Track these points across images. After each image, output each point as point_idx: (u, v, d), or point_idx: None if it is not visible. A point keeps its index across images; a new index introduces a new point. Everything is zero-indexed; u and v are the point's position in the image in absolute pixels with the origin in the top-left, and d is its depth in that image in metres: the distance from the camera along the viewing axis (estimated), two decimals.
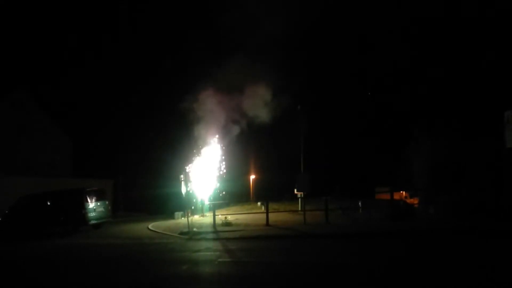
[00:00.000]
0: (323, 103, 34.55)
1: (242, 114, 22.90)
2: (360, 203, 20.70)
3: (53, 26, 43.55)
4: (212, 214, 18.07)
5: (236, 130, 23.33)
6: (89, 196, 18.70)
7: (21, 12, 42.39)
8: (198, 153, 23.45)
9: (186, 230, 16.08)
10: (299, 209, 21.56)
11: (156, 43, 42.17)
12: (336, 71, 33.55)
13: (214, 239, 14.42)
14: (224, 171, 24.16)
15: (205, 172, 23.38)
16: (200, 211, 23.41)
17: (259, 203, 26.59)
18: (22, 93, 28.86)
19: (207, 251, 12.09)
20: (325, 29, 26.56)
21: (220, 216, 18.69)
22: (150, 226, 19.19)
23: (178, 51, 36.51)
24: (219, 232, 15.90)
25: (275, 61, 21.66)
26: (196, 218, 21.23)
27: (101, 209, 19.25)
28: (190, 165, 23.34)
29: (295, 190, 20.61)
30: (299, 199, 22.11)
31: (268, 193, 29.95)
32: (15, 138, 27.24)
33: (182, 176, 22.26)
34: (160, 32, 41.64)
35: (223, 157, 23.94)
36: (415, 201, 21.12)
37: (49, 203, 18.85)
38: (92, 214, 18.59)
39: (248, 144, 30.15)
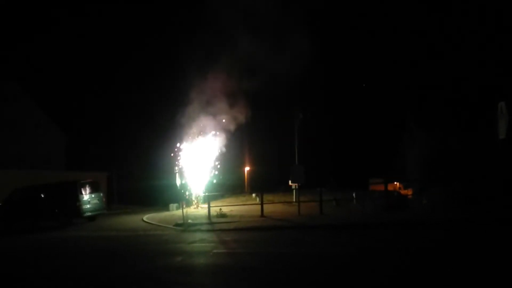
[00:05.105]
0: (318, 96, 34.60)
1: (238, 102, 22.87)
2: (354, 194, 20.77)
3: (42, 18, 43.16)
4: (207, 205, 18.09)
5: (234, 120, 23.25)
6: (83, 188, 18.65)
7: (11, 4, 41.94)
8: (193, 144, 23.40)
9: (181, 221, 16.09)
10: (294, 200, 21.63)
11: (149, 34, 41.95)
12: (331, 63, 33.53)
13: (209, 231, 14.45)
14: (219, 163, 24.15)
15: (199, 163, 23.36)
16: (195, 202, 23.44)
17: (253, 195, 26.63)
18: (15, 87, 28.63)
19: (202, 242, 12.11)
20: (322, 18, 26.44)
21: (215, 207, 18.70)
22: (145, 218, 19.20)
23: (172, 38, 36.40)
24: (214, 223, 15.93)
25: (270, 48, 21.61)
26: (191, 209, 21.27)
27: (96, 201, 19.21)
28: (184, 156, 23.31)
29: (290, 181, 20.66)
30: (294, 190, 22.17)
31: (262, 184, 30.02)
32: (8, 132, 27.06)
33: (176, 168, 22.30)
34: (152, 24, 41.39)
35: (218, 148, 23.92)
36: (409, 192, 21.25)
37: (43, 196, 18.78)
38: (86, 206, 18.56)
39: (243, 136, 30.16)
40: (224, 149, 23.74)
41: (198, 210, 21.64)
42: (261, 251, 10.46)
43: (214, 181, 24.11)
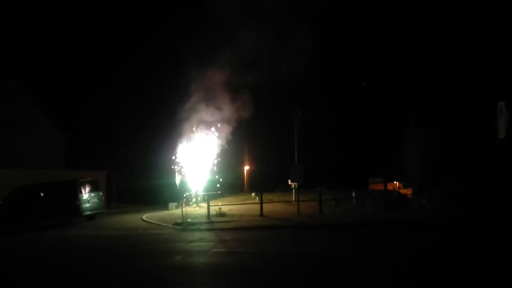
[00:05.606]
0: (318, 96, 34.59)
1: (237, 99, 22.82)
2: (353, 194, 20.77)
3: (42, 18, 43.12)
4: (206, 204, 18.08)
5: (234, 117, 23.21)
6: (82, 187, 18.63)
7: (11, 4, 41.89)
8: (192, 143, 23.37)
9: (180, 220, 16.09)
10: (293, 199, 21.61)
11: (148, 30, 41.97)
12: (331, 63, 33.50)
13: (208, 230, 14.44)
14: (218, 160, 24.12)
15: (199, 162, 23.34)
16: (194, 202, 23.43)
17: (253, 194, 26.60)
18: (15, 87, 28.61)
19: (201, 241, 12.11)
20: (322, 18, 26.41)
21: (214, 206, 18.70)
22: (144, 217, 19.19)
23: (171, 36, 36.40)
24: (213, 222, 15.92)
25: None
26: (190, 208, 21.25)
27: (95, 200, 19.20)
28: (183, 156, 23.28)
29: (289, 180, 20.65)
30: (293, 189, 22.15)
31: (262, 183, 29.99)
32: (8, 131, 27.03)
33: (176, 167, 22.28)
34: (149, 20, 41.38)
35: (218, 147, 23.90)
36: (408, 191, 21.23)
37: (42, 195, 18.77)
38: (85, 205, 18.54)
39: (243, 135, 30.14)
40: (225, 146, 23.68)
41: (197, 209, 21.62)
42: (260, 250, 10.45)
43: (213, 181, 24.08)
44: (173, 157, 23.09)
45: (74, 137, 32.58)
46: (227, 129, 23.49)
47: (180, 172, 18.94)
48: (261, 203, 17.93)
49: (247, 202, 22.96)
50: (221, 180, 24.31)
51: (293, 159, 22.86)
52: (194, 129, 23.05)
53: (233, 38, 21.43)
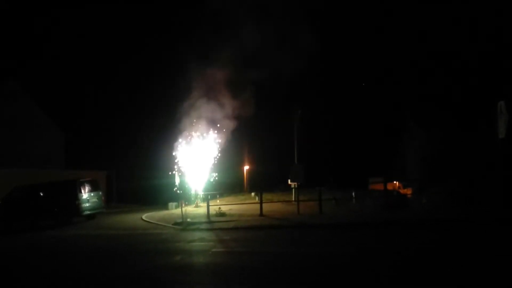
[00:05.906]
0: (318, 96, 34.62)
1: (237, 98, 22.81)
2: (353, 194, 20.77)
3: (42, 17, 43.12)
4: (206, 204, 18.07)
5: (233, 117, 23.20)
6: (82, 187, 18.60)
7: (12, 3, 41.92)
8: (192, 143, 23.38)
9: (180, 220, 16.08)
10: (293, 199, 21.60)
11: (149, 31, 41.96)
12: (331, 62, 33.52)
13: (208, 230, 14.43)
14: (218, 160, 24.12)
15: (198, 162, 23.35)
16: (194, 201, 23.43)
17: (253, 194, 26.60)
18: (15, 86, 28.59)
19: (201, 241, 12.10)
20: (322, 17, 26.43)
21: (214, 206, 18.68)
22: (144, 217, 19.18)
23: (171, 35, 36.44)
24: (213, 222, 15.91)
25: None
26: (190, 208, 21.25)
27: (95, 200, 19.18)
28: (183, 155, 23.29)
29: (289, 180, 20.65)
30: (293, 189, 22.15)
31: (262, 183, 29.99)
32: (8, 131, 27.01)
33: (175, 166, 22.28)
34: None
35: (218, 147, 23.90)
36: (408, 191, 21.23)
37: (42, 194, 18.74)
38: (85, 205, 18.52)
39: (243, 135, 30.15)
40: (225, 146, 23.67)
41: (197, 209, 21.62)
42: (260, 250, 10.44)
43: (213, 180, 24.08)
44: (174, 157, 23.12)
45: (74, 137, 32.58)
46: (227, 129, 23.49)
47: (180, 172, 18.92)
48: (261, 202, 17.91)
49: (247, 202, 22.93)
50: (221, 179, 24.28)
51: (293, 159, 22.85)
52: (193, 129, 23.06)
53: (233, 38, 21.45)
